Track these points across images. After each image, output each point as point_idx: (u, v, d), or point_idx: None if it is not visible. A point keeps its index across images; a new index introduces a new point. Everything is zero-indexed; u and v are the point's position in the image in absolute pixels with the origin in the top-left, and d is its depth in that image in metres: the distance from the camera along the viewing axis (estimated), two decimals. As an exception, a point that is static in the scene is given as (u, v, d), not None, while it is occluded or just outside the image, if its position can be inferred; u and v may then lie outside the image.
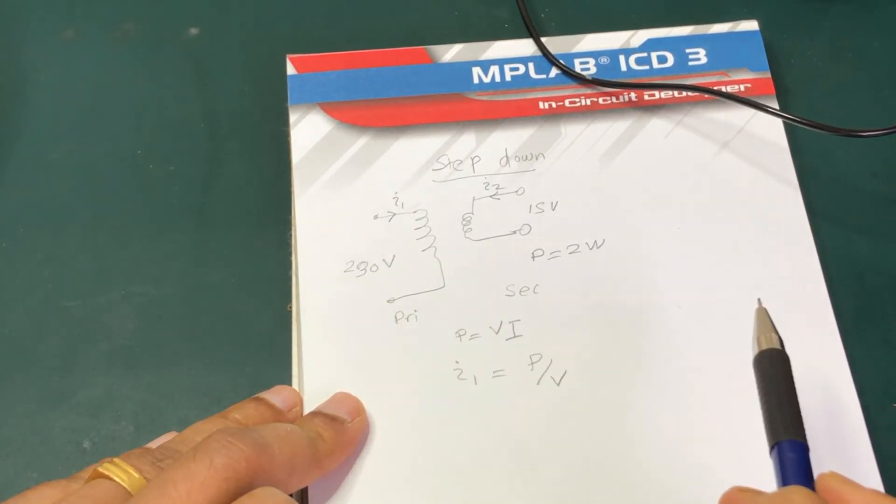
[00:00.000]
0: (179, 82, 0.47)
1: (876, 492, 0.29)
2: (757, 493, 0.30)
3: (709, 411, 0.38)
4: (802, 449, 0.31)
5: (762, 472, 0.33)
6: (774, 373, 0.33)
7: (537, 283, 0.41)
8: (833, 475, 0.30)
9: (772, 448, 0.32)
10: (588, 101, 0.46)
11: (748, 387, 0.38)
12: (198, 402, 0.39)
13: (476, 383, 0.39)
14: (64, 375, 0.40)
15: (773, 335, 0.34)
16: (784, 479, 0.31)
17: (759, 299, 0.36)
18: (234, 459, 0.30)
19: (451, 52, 0.47)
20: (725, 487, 0.31)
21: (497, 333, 0.40)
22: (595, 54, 0.47)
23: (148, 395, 0.40)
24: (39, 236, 0.43)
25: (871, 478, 0.36)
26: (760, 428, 0.36)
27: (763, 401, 0.33)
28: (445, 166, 0.44)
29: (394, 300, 0.40)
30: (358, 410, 0.37)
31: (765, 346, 0.34)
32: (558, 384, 0.39)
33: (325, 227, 0.42)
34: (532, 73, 0.46)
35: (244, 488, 0.30)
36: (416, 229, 0.42)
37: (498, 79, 0.46)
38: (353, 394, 0.38)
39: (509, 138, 0.45)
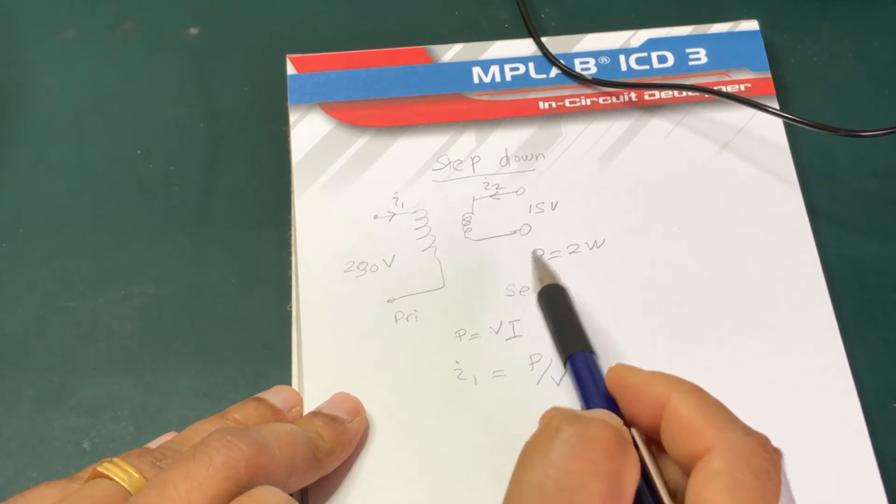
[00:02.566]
0: (179, 82, 0.47)
1: (652, 371, 0.30)
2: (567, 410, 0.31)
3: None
4: (590, 357, 0.34)
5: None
6: (556, 302, 0.38)
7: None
8: (618, 366, 0.31)
9: (565, 364, 0.36)
10: (588, 101, 0.46)
11: (749, 386, 0.38)
12: (198, 402, 0.40)
13: (476, 383, 0.39)
14: (64, 375, 0.40)
15: (550, 273, 0.39)
16: (581, 388, 0.34)
17: (533, 251, 0.41)
18: (234, 459, 0.30)
19: (451, 52, 0.47)
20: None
21: (497, 333, 0.40)
22: (595, 54, 0.47)
23: (148, 395, 0.40)
24: (39, 236, 0.43)
25: (872, 478, 0.36)
26: (763, 422, 0.36)
27: (551, 329, 0.37)
28: (445, 166, 0.44)
29: (394, 300, 0.40)
30: (358, 410, 0.37)
31: (546, 283, 0.38)
32: (558, 384, 0.39)
33: (325, 227, 0.42)
34: (532, 73, 0.46)
35: (244, 488, 0.30)
36: (416, 229, 0.42)
37: (498, 79, 0.46)
38: (353, 394, 0.38)
39: (509, 138, 0.45)
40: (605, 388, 0.32)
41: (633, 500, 0.27)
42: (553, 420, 0.28)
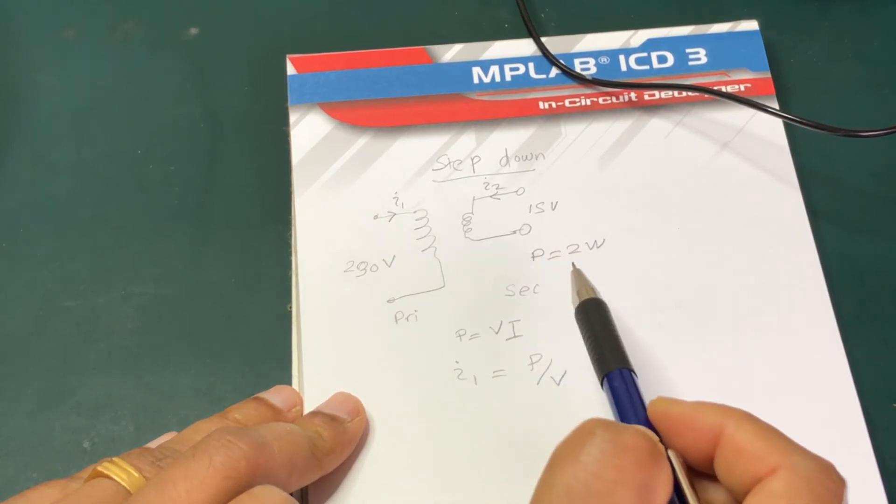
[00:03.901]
0: (179, 82, 0.47)
1: (698, 401, 0.30)
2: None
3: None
4: (628, 375, 0.34)
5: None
6: (595, 317, 0.37)
7: (537, 283, 0.41)
8: (659, 399, 0.30)
9: (602, 382, 0.35)
10: (588, 101, 0.46)
11: (748, 386, 0.38)
12: (198, 402, 0.40)
13: (476, 383, 0.39)
14: (64, 375, 0.40)
15: (590, 287, 0.38)
16: (618, 406, 0.33)
17: (573, 263, 0.40)
18: (234, 458, 0.30)
19: (451, 52, 0.47)
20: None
21: (497, 333, 0.40)
22: (595, 54, 0.47)
23: (148, 395, 0.40)
24: (39, 236, 0.43)
25: (872, 478, 0.36)
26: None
27: (589, 345, 0.36)
28: (445, 166, 0.44)
29: (394, 300, 0.40)
30: (358, 410, 0.37)
31: (584, 297, 0.38)
32: (558, 384, 0.39)
33: (324, 227, 0.42)
34: (532, 73, 0.46)
35: (244, 487, 0.30)
36: (416, 229, 0.42)
37: (498, 79, 0.46)
38: (353, 394, 0.38)
39: (509, 138, 0.45)
40: (643, 407, 0.32)
41: None
42: (587, 424, 0.28)
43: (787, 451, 0.27)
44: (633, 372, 0.35)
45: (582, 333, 0.37)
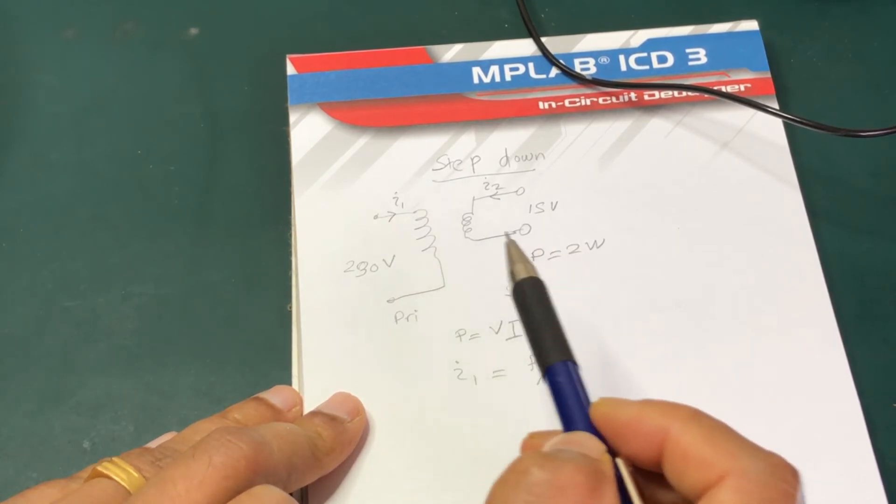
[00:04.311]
0: (179, 82, 0.47)
1: (643, 401, 0.28)
2: (546, 436, 0.29)
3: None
4: (572, 369, 0.30)
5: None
6: (533, 300, 0.32)
7: (537, 283, 0.41)
8: (602, 401, 0.29)
9: (544, 374, 0.31)
10: (588, 101, 0.46)
11: (748, 386, 0.38)
12: (198, 402, 0.39)
13: (476, 383, 0.39)
14: (64, 375, 0.40)
15: (528, 265, 0.33)
16: (559, 405, 0.30)
17: (506, 233, 0.36)
18: (234, 458, 0.30)
19: (451, 52, 0.47)
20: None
21: (497, 333, 0.40)
22: (595, 54, 0.47)
23: (148, 395, 0.40)
24: (39, 236, 0.43)
25: (872, 478, 0.36)
26: (764, 422, 0.36)
27: (527, 330, 0.32)
28: (445, 166, 0.44)
29: (394, 300, 0.40)
30: (357, 410, 0.37)
31: (522, 276, 0.32)
32: (558, 384, 0.39)
33: (325, 227, 0.42)
34: (532, 73, 0.46)
35: (243, 486, 0.30)
36: (416, 229, 0.42)
37: (498, 79, 0.46)
38: (353, 394, 0.38)
39: (509, 138, 0.45)
40: (587, 405, 0.30)
41: None
42: (521, 462, 0.26)
43: (735, 454, 0.26)
44: (576, 364, 0.31)
45: (520, 319, 0.32)
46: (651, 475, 0.28)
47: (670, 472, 0.27)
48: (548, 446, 0.28)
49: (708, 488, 0.26)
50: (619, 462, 0.28)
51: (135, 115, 0.46)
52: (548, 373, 0.31)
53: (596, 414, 0.29)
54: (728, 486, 0.25)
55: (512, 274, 0.33)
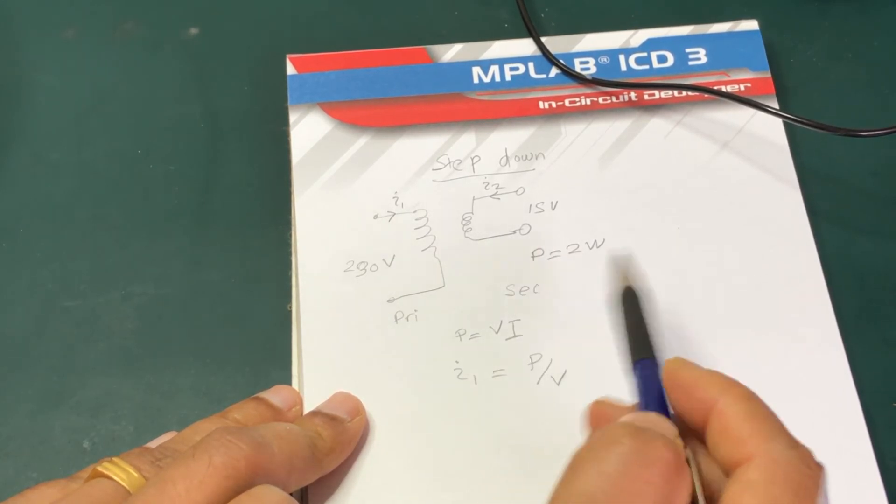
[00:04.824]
0: (179, 82, 0.47)
1: (708, 371, 0.30)
2: (615, 406, 0.31)
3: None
4: (652, 366, 0.32)
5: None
6: (627, 307, 0.35)
7: (537, 283, 0.41)
8: (675, 359, 0.31)
9: (634, 368, 0.33)
10: (588, 101, 0.46)
11: (748, 384, 0.38)
12: (198, 402, 0.39)
13: (476, 383, 0.39)
14: (64, 375, 0.40)
15: (626, 276, 0.35)
16: (641, 394, 0.32)
17: (611, 252, 0.38)
18: (233, 458, 0.30)
19: (451, 52, 0.47)
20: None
21: (497, 333, 0.40)
22: (595, 54, 0.47)
23: (148, 395, 0.40)
24: (39, 236, 0.43)
25: (872, 478, 0.36)
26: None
27: (625, 330, 0.34)
28: (445, 166, 0.44)
29: (394, 300, 0.40)
30: (357, 410, 0.37)
31: (622, 285, 0.35)
32: (558, 384, 0.39)
33: (325, 226, 0.42)
34: (532, 73, 0.46)
35: (243, 487, 0.30)
36: (416, 229, 0.42)
37: (498, 78, 0.46)
38: (353, 393, 0.38)
39: (509, 138, 0.45)
40: (664, 399, 0.31)
41: None
42: (613, 431, 0.27)
43: (769, 438, 0.27)
44: (655, 360, 0.33)
45: (617, 321, 0.35)
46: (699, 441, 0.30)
47: (710, 440, 0.28)
48: (626, 419, 0.29)
49: (738, 465, 0.27)
50: (689, 452, 0.29)
51: (135, 115, 0.46)
52: (634, 367, 0.33)
53: (667, 368, 0.31)
54: (756, 466, 0.26)
55: (617, 282, 0.36)
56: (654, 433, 0.27)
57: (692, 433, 0.30)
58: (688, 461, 0.28)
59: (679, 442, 0.28)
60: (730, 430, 0.28)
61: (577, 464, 0.27)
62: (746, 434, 0.27)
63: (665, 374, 0.30)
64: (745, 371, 0.38)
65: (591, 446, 0.27)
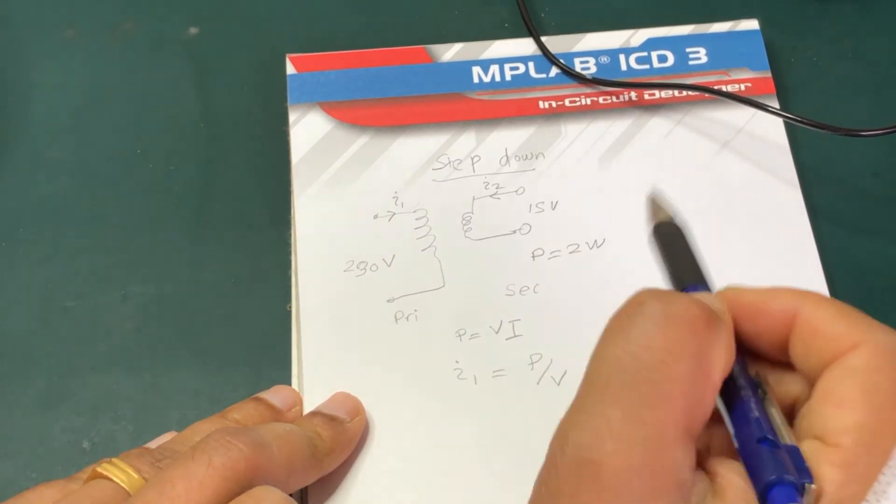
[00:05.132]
0: (179, 82, 0.47)
1: (770, 287, 0.28)
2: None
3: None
4: (706, 290, 0.30)
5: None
6: (672, 239, 0.33)
7: (537, 283, 0.41)
8: (730, 287, 0.29)
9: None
10: (588, 101, 0.46)
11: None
12: (197, 403, 0.39)
13: (476, 383, 0.39)
14: (64, 375, 0.40)
15: (667, 211, 0.34)
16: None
17: (650, 189, 0.36)
18: (233, 459, 0.30)
19: (451, 52, 0.47)
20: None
21: (497, 333, 0.40)
22: (595, 53, 0.47)
23: (148, 395, 0.40)
24: (39, 236, 0.43)
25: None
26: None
27: (666, 262, 0.32)
28: (445, 166, 0.44)
29: (394, 300, 0.40)
30: (357, 410, 0.37)
31: (660, 219, 0.34)
32: (558, 384, 0.39)
33: (324, 226, 0.42)
34: (532, 73, 0.46)
35: (243, 487, 0.30)
36: (416, 229, 0.42)
37: (498, 78, 0.46)
38: (353, 393, 0.38)
39: (509, 138, 0.44)
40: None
41: (728, 386, 0.26)
42: (639, 295, 0.26)
43: (870, 328, 0.26)
44: (710, 289, 0.31)
45: (658, 253, 0.33)
46: (769, 365, 0.28)
47: (798, 348, 0.27)
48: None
49: (837, 357, 0.26)
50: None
51: (135, 115, 0.46)
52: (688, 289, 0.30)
53: (724, 298, 0.28)
54: (860, 354, 0.25)
55: (653, 218, 0.34)
56: (680, 294, 0.27)
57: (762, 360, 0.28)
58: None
59: (727, 315, 0.27)
60: (822, 329, 0.26)
61: (606, 333, 0.26)
62: (844, 328, 0.26)
63: (725, 301, 0.28)
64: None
65: (618, 314, 0.26)
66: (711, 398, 0.25)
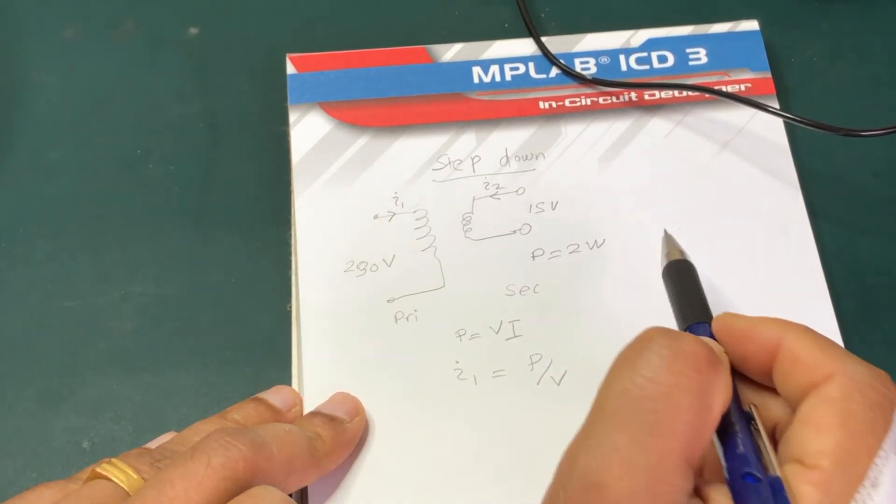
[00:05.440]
0: (179, 82, 0.47)
1: (759, 316, 0.31)
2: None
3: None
4: (707, 328, 0.33)
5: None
6: (681, 277, 0.36)
7: (537, 283, 0.41)
8: (724, 314, 0.32)
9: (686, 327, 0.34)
10: (588, 101, 0.46)
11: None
12: (197, 403, 0.39)
13: (476, 383, 0.39)
14: (64, 375, 0.40)
15: (678, 249, 0.37)
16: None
17: (664, 229, 0.39)
18: (232, 459, 0.30)
19: (451, 52, 0.47)
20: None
21: (497, 333, 0.40)
22: (595, 54, 0.47)
23: (148, 395, 0.40)
24: (39, 236, 0.43)
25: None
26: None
27: (674, 300, 0.36)
28: (445, 166, 0.44)
29: (394, 300, 0.40)
30: (357, 410, 0.37)
31: (672, 259, 0.37)
32: (558, 384, 0.39)
33: (325, 226, 0.42)
34: (532, 73, 0.46)
35: (242, 487, 0.30)
36: (416, 229, 0.42)
37: (498, 78, 0.46)
38: (353, 394, 0.38)
39: (509, 138, 0.44)
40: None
41: (722, 421, 0.28)
42: (647, 332, 0.28)
43: (843, 359, 0.28)
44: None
45: (668, 291, 0.37)
46: (756, 387, 0.31)
47: (780, 375, 0.29)
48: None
49: (814, 387, 0.28)
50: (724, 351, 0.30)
51: (135, 115, 0.46)
52: (695, 328, 0.34)
53: (717, 323, 0.31)
54: (835, 383, 0.27)
55: (666, 256, 0.38)
56: (686, 333, 0.29)
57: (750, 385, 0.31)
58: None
59: (725, 356, 0.29)
60: (803, 358, 0.28)
61: (615, 366, 0.28)
62: (821, 359, 0.28)
63: (718, 329, 0.31)
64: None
65: (627, 348, 0.28)
66: (710, 431, 0.27)
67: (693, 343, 0.28)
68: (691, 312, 0.34)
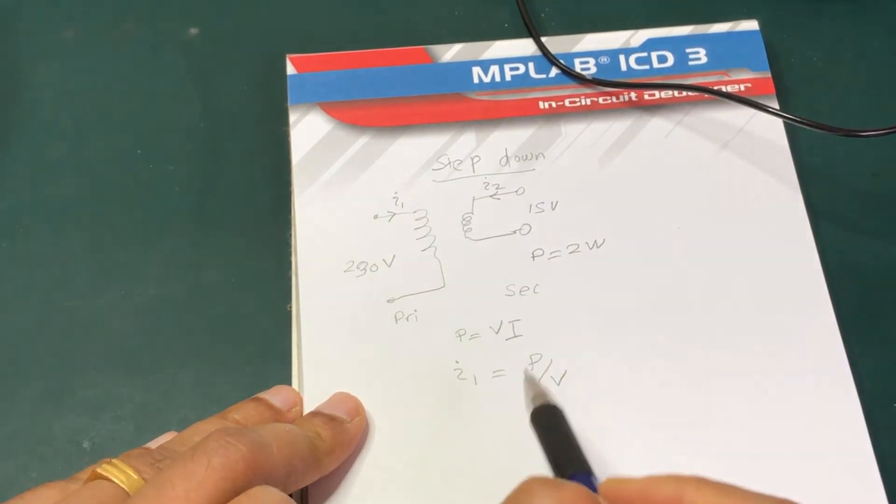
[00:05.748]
0: (179, 82, 0.47)
1: (649, 476, 0.29)
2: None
3: (707, 409, 0.38)
4: (589, 478, 0.32)
5: (759, 470, 0.33)
6: (552, 423, 0.35)
7: (537, 283, 0.41)
8: (608, 480, 0.30)
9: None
10: (588, 101, 0.46)
11: (748, 386, 0.38)
12: (197, 402, 0.39)
13: (476, 383, 0.39)
14: (64, 375, 0.40)
15: (542, 392, 0.36)
16: None
17: (525, 369, 0.38)
18: (232, 459, 0.30)
19: (451, 52, 0.47)
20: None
21: (497, 333, 0.40)
22: (595, 54, 0.47)
23: (148, 395, 0.40)
24: (39, 236, 0.43)
25: (872, 478, 0.36)
26: (755, 425, 0.36)
27: (547, 449, 0.34)
28: (445, 166, 0.44)
29: (394, 300, 0.40)
30: (357, 410, 0.37)
31: (538, 404, 0.36)
32: (558, 384, 0.39)
33: (325, 227, 0.42)
34: (532, 73, 0.46)
35: (242, 488, 0.30)
36: (416, 229, 0.42)
37: (498, 78, 0.46)
38: (353, 394, 0.38)
39: (509, 138, 0.44)
40: None
41: None
42: (527, 483, 0.28)
43: (750, 501, 0.27)
44: (593, 475, 0.33)
45: (538, 437, 0.36)
46: None
47: None
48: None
49: None
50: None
51: (135, 114, 0.46)
52: (572, 479, 0.32)
53: (606, 490, 0.30)
54: None
55: (532, 401, 0.36)
56: (568, 482, 0.28)
57: None
58: None
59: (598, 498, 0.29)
60: None
61: None
62: None
63: (609, 496, 0.30)
64: (744, 371, 0.39)
65: (508, 500, 0.28)
66: None
67: (575, 491, 0.27)
68: (567, 461, 0.33)
